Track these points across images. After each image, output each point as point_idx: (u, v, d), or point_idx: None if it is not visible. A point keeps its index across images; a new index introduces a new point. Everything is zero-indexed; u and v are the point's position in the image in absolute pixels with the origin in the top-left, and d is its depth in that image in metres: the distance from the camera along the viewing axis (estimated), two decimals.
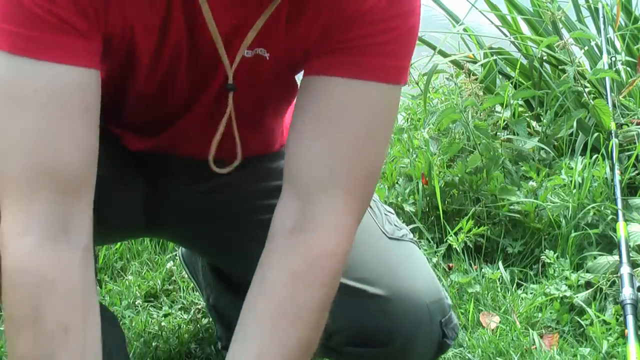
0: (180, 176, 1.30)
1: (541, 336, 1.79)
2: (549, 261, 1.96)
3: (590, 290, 1.88)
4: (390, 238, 1.32)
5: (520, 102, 2.54)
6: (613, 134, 2.22)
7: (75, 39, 0.96)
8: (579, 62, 2.44)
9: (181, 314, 1.82)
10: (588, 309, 1.82)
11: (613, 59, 2.62)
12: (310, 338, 1.04)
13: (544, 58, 2.62)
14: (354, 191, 1.08)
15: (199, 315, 1.81)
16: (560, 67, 2.62)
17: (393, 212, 1.41)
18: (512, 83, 2.61)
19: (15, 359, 0.91)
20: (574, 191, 2.10)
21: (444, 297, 1.31)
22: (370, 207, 1.35)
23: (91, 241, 0.97)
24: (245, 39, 1.09)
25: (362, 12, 1.06)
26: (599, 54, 2.67)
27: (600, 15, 2.73)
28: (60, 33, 0.94)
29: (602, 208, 2.05)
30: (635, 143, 2.25)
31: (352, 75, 1.06)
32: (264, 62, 1.13)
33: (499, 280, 1.97)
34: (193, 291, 1.88)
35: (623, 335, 1.72)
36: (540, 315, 1.84)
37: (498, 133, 2.44)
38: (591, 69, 2.55)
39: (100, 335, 0.97)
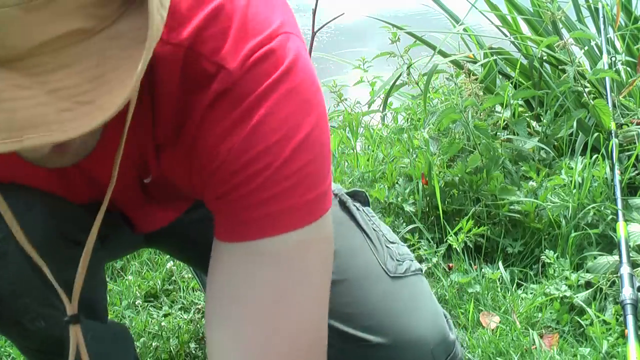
0: None
1: (541, 336, 1.79)
2: (549, 261, 1.96)
3: (590, 290, 1.88)
4: (392, 277, 1.26)
5: (520, 102, 2.54)
6: (613, 134, 2.22)
7: None
8: (579, 62, 2.44)
9: (181, 314, 1.82)
10: (588, 309, 1.82)
11: (613, 59, 2.62)
12: None
13: (544, 58, 2.62)
14: None
15: (199, 315, 1.81)
16: (560, 67, 2.62)
17: (395, 240, 1.34)
18: (512, 83, 2.61)
19: None
20: (574, 191, 2.10)
21: (448, 334, 1.27)
22: (371, 240, 1.29)
23: None
24: (103, 204, 0.94)
25: (220, 160, 0.90)
26: (599, 54, 2.67)
27: (600, 15, 2.73)
28: None
29: (602, 208, 2.05)
30: (635, 143, 2.25)
31: (237, 237, 0.91)
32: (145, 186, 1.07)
33: (499, 280, 1.97)
34: (193, 291, 1.88)
35: (623, 335, 1.72)
36: (540, 315, 1.84)
37: (498, 133, 2.44)
38: (591, 69, 2.55)
39: None
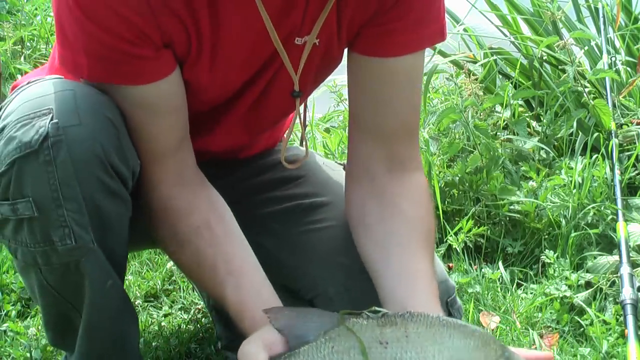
0: None
1: (541, 336, 1.79)
2: (549, 261, 1.97)
3: (590, 290, 1.88)
4: None
5: (520, 102, 2.54)
6: (613, 134, 2.22)
7: (151, 63, 1.15)
8: (579, 62, 2.44)
9: (181, 314, 1.82)
10: (588, 309, 1.82)
11: (613, 59, 2.62)
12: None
13: (544, 58, 2.62)
14: (417, 132, 1.32)
15: (199, 315, 1.81)
16: (560, 67, 2.62)
17: None
18: (512, 83, 2.61)
19: (184, 270, 1.27)
20: (574, 191, 2.10)
21: (449, 278, 1.33)
22: None
23: (196, 167, 1.25)
24: (309, 38, 1.20)
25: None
26: (599, 54, 2.67)
27: (600, 15, 2.73)
28: (138, 64, 1.14)
29: (602, 208, 2.05)
30: (635, 143, 2.25)
31: (403, 52, 1.22)
32: (315, 49, 1.22)
33: (499, 280, 1.97)
34: (193, 291, 1.88)
35: (623, 335, 1.72)
36: (540, 315, 1.84)
37: (498, 133, 2.44)
38: (591, 69, 2.55)
39: (230, 214, 1.24)
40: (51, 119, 1.10)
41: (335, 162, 1.49)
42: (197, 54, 1.18)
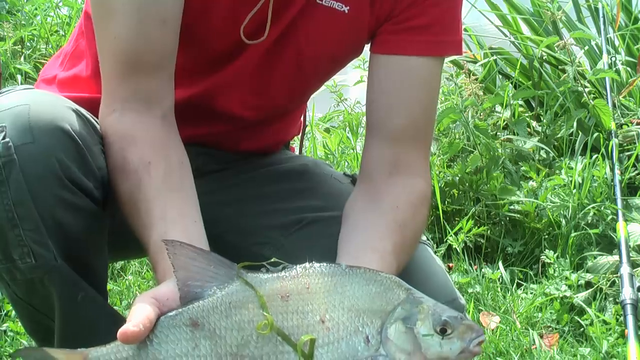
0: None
1: (541, 336, 1.79)
2: (549, 261, 1.97)
3: (590, 290, 1.88)
4: None
5: (520, 102, 2.54)
6: (613, 134, 2.22)
7: None
8: (579, 62, 2.45)
9: None
10: (588, 309, 1.82)
11: (613, 59, 2.62)
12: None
13: (544, 58, 2.63)
14: (428, 141, 1.31)
15: None
16: (560, 67, 2.62)
17: None
18: (512, 83, 2.61)
19: (119, 202, 1.13)
20: (574, 191, 2.10)
21: (458, 297, 1.32)
22: None
23: (170, 109, 1.19)
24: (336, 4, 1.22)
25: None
26: (599, 54, 2.67)
27: (600, 15, 2.73)
28: None
29: (602, 208, 2.05)
30: (635, 143, 2.25)
31: (421, 52, 1.24)
32: (339, 16, 1.22)
33: (499, 280, 1.97)
34: None
35: (623, 335, 1.72)
36: (540, 315, 1.84)
37: (498, 133, 2.44)
38: (591, 69, 2.55)
39: (187, 167, 1.16)
40: (3, 138, 1.08)
41: (344, 173, 1.48)
42: None
